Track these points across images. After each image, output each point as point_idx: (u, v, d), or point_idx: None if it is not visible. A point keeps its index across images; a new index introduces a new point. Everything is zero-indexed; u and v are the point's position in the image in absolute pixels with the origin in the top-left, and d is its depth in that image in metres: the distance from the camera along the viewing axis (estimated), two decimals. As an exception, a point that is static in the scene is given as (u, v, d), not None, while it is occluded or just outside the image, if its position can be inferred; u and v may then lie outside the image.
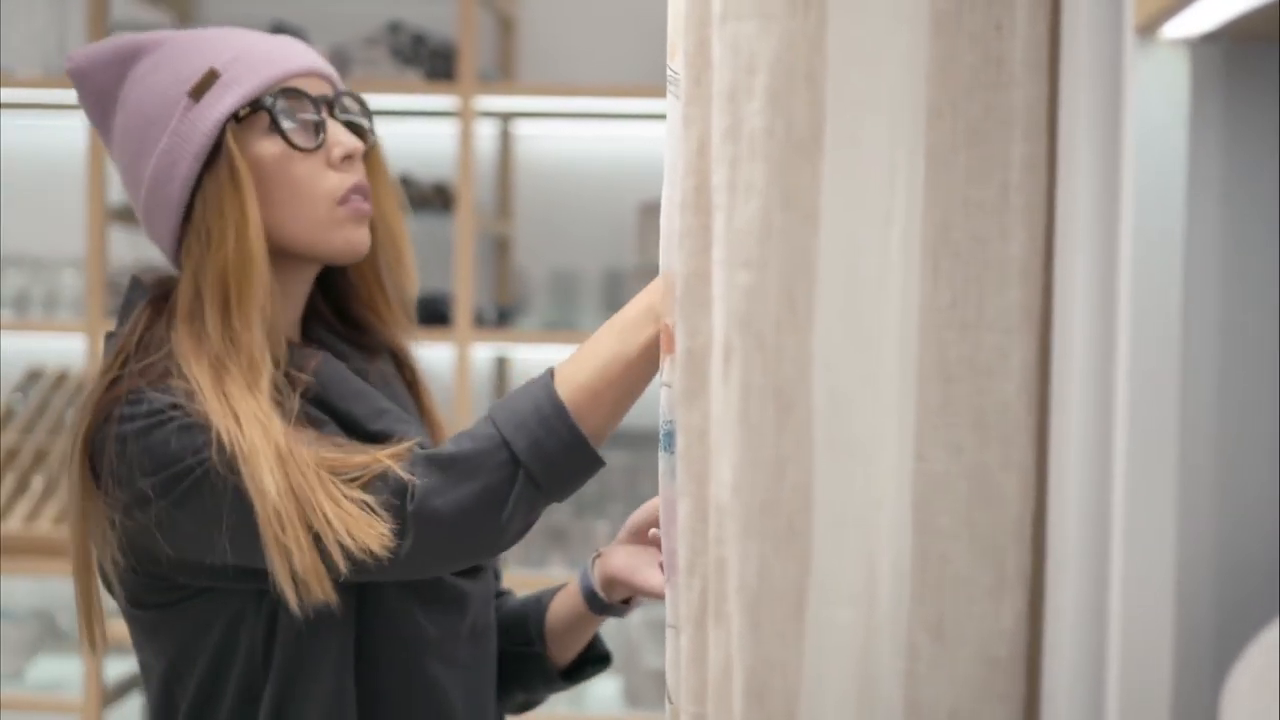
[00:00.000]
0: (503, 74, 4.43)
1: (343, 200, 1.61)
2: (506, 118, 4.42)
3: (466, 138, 4.01)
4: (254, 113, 1.58)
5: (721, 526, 1.01)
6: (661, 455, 1.23)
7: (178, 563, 1.53)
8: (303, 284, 1.67)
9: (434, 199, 4.18)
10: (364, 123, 1.68)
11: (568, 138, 4.43)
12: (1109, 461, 0.95)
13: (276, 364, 1.56)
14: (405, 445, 1.51)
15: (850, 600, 1.00)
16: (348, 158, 1.62)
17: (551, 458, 1.48)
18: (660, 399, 1.22)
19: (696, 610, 1.06)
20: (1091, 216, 0.96)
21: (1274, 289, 0.92)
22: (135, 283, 1.66)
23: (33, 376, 4.33)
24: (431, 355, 4.41)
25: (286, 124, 1.59)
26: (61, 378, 4.33)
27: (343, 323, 1.71)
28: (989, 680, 1.01)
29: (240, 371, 1.53)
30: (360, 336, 1.71)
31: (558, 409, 1.48)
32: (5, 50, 4.26)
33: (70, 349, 4.32)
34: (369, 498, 1.47)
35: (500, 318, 4.25)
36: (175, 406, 1.51)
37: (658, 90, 4.12)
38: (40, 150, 4.49)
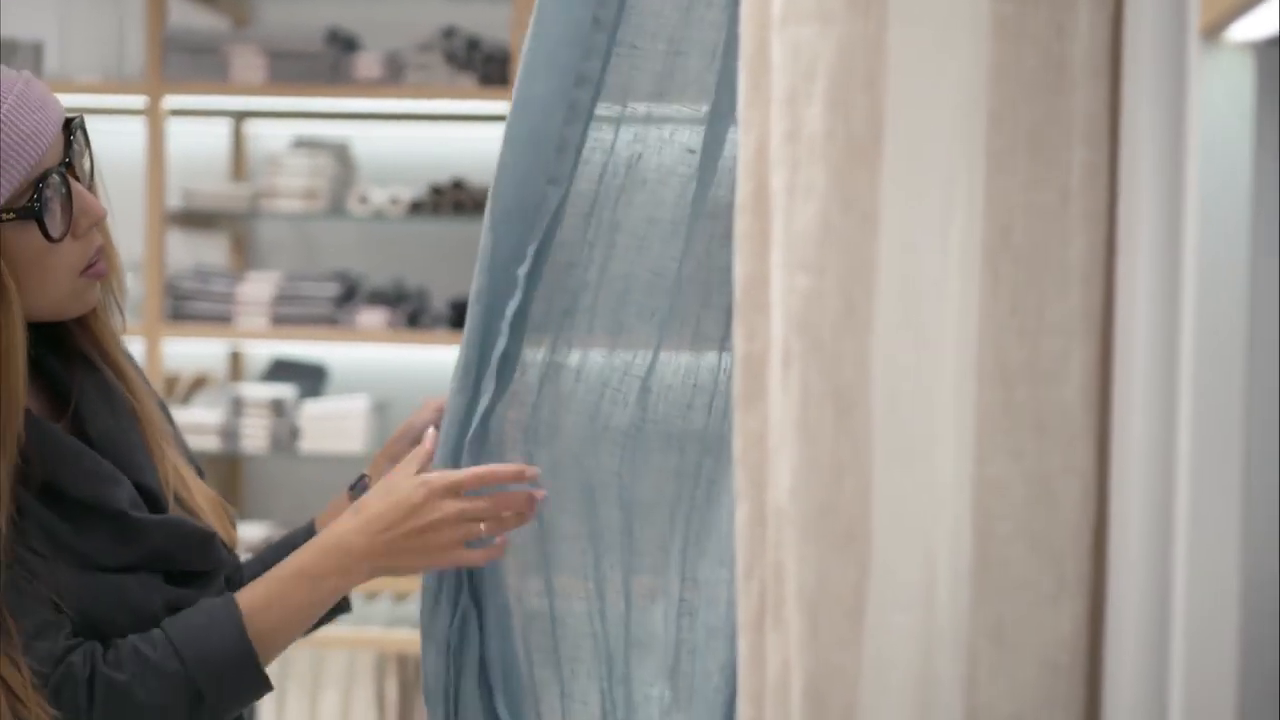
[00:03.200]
0: (556, 78, 4.44)
1: (84, 270, 1.56)
2: (560, 122, 4.42)
3: (520, 142, 4.02)
4: (17, 217, 1.49)
5: (780, 530, 1.01)
6: None
7: None
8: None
9: (486, 204, 4.20)
10: (89, 160, 1.59)
11: (621, 142, 4.43)
12: (1172, 466, 0.95)
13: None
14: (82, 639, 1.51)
15: (909, 605, 1.00)
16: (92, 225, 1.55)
17: (234, 696, 1.57)
18: None
19: (754, 614, 1.06)
20: (1155, 220, 0.95)
21: (1340, 293, 0.91)
22: None
23: (90, 379, 4.37)
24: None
25: (45, 216, 1.50)
26: (119, 380, 4.36)
27: (41, 331, 1.62)
28: (1049, 686, 1.00)
29: None
30: (61, 344, 1.64)
31: (254, 664, 1.55)
32: (65, 56, 4.30)
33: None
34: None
35: (553, 321, 4.26)
36: None
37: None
38: (99, 154, 4.53)
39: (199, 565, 1.62)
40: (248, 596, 1.58)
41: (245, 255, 4.66)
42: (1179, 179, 0.94)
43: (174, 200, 4.34)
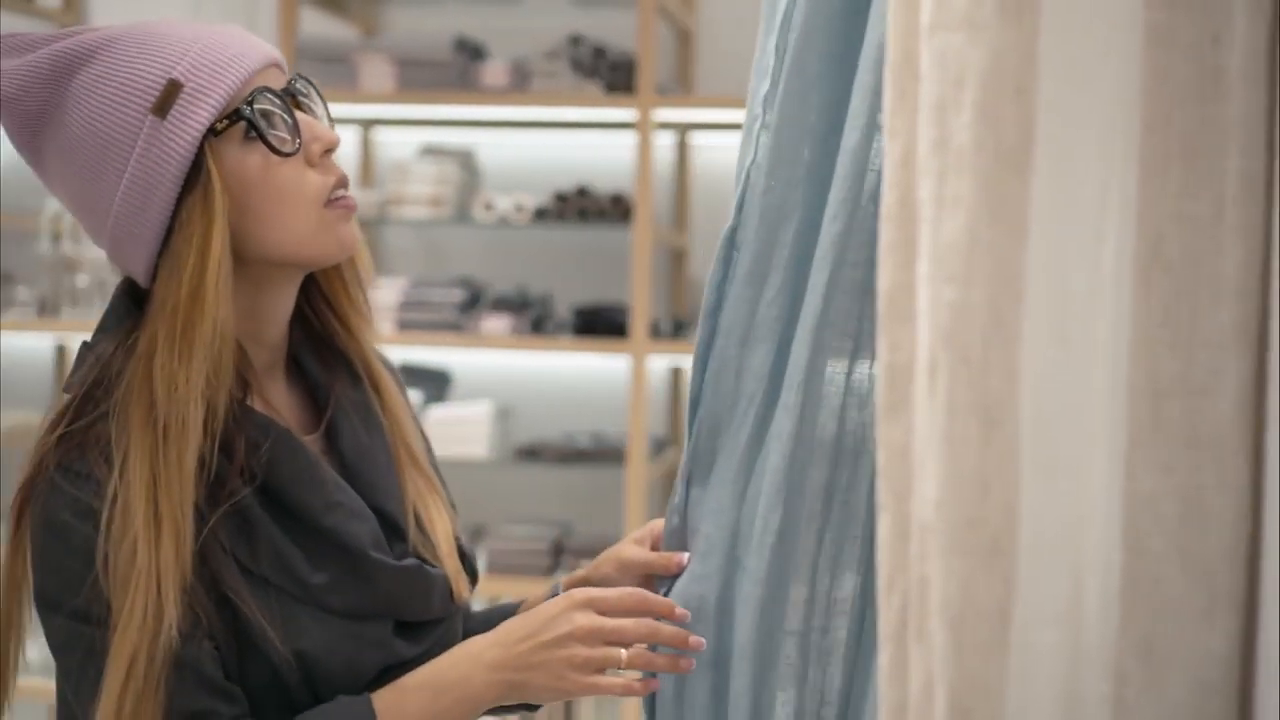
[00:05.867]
0: (681, 86, 4.45)
1: (329, 201, 1.51)
2: (684, 129, 4.43)
3: (645, 149, 4.03)
4: (232, 124, 1.46)
5: (924, 543, 1.00)
6: None
7: None
8: (287, 295, 1.56)
9: (612, 210, 4.21)
10: (321, 108, 1.56)
11: (745, 149, 4.43)
12: (1329, 484, 0.93)
13: (214, 414, 1.45)
14: None
15: (1056, 621, 0.99)
16: (326, 152, 1.51)
17: None
18: None
19: (896, 626, 1.05)
20: (1312, 232, 0.93)
21: None
22: (122, 290, 1.54)
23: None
24: (607, 365, 4.45)
25: (266, 129, 1.47)
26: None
27: (316, 317, 1.62)
28: (1200, 706, 0.98)
29: (182, 444, 1.42)
30: (324, 348, 1.62)
31: None
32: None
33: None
34: None
35: (676, 329, 4.26)
36: (86, 513, 1.42)
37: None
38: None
39: (427, 615, 1.55)
40: (380, 703, 1.48)
41: (373, 261, 4.72)
42: (1338, 189, 0.92)
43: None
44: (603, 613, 1.45)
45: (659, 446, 4.39)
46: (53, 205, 4.35)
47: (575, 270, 4.47)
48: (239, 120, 1.46)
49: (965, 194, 0.98)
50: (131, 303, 1.52)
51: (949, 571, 0.98)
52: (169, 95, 1.44)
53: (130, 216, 1.46)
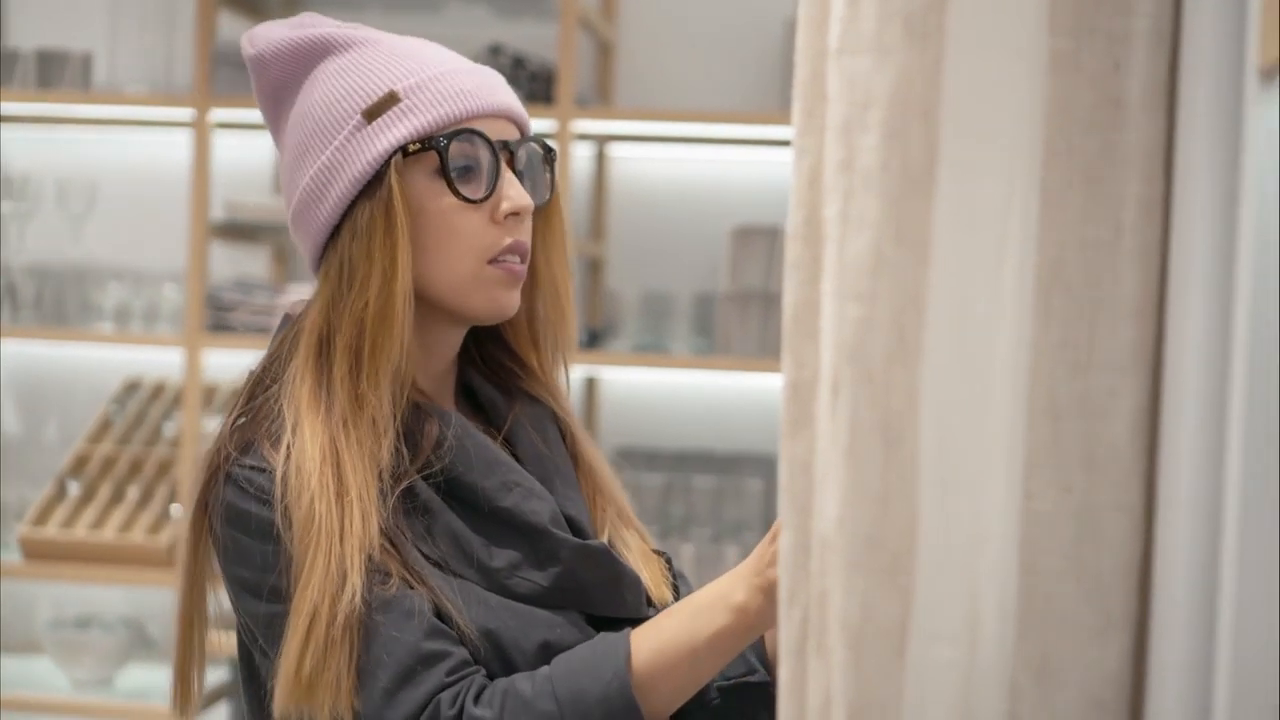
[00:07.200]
0: (600, 98, 4.46)
1: (495, 260, 1.50)
2: (603, 140, 4.44)
3: (563, 160, 4.03)
4: (424, 150, 1.48)
5: (824, 559, 1.01)
6: None
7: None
8: (451, 336, 1.57)
9: (529, 221, 4.21)
10: (545, 174, 1.57)
11: (663, 161, 4.44)
12: (1220, 504, 0.94)
13: (398, 416, 1.47)
14: (468, 671, 1.41)
15: (953, 638, 1.00)
16: (513, 214, 1.51)
17: None
18: None
19: (796, 641, 1.06)
20: (1208, 258, 0.95)
21: (1395, 335, 0.91)
22: (285, 319, 1.58)
23: (130, 388, 4.39)
24: (522, 376, 4.44)
25: (455, 170, 1.49)
26: (159, 389, 4.39)
27: (487, 364, 1.63)
28: (1092, 723, 1.00)
29: (361, 435, 1.45)
30: (505, 381, 1.62)
31: (629, 708, 1.38)
32: (114, 68, 4.34)
33: (168, 362, 4.38)
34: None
35: (591, 339, 4.27)
36: (262, 498, 1.44)
37: (751, 116, 4.14)
38: (145, 165, 4.58)
39: (618, 609, 1.51)
40: (636, 634, 1.44)
41: (286, 268, 4.68)
42: (1232, 220, 0.94)
43: (217, 213, 4.37)
44: None
45: (573, 458, 4.39)
46: (-39, 205, 4.29)
47: (491, 280, 4.47)
48: (430, 149, 1.49)
49: (870, 214, 0.99)
50: (286, 326, 1.57)
51: (849, 588, 0.99)
52: (383, 104, 1.50)
53: (310, 200, 1.51)
